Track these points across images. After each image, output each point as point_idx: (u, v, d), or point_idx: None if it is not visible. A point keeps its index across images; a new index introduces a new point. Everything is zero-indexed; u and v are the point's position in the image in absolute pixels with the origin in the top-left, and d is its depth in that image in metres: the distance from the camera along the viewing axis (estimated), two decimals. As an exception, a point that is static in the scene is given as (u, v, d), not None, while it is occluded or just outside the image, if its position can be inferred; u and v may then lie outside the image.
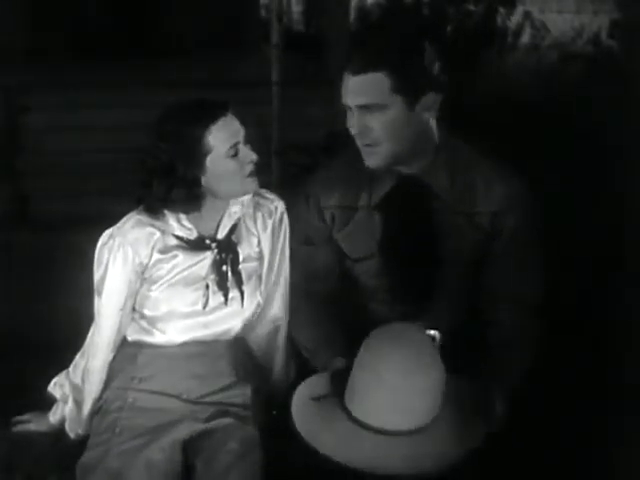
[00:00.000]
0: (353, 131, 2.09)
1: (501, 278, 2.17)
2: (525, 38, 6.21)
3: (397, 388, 1.80)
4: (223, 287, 2.13)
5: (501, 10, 6.24)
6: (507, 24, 6.22)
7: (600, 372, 2.63)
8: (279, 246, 2.24)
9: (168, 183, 2.03)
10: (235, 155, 2.05)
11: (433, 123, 2.14)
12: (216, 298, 2.13)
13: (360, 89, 2.05)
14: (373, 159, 2.11)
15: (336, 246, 2.25)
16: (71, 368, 2.23)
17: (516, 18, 6.25)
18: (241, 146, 2.06)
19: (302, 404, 1.92)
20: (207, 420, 2.07)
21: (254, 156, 2.08)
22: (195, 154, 2.02)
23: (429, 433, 1.82)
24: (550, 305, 2.20)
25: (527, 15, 6.25)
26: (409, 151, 2.11)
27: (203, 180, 2.05)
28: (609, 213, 3.56)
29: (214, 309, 2.13)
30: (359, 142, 2.10)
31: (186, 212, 2.09)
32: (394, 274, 2.20)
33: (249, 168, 2.08)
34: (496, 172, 2.16)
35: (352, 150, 2.14)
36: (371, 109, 2.05)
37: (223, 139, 2.03)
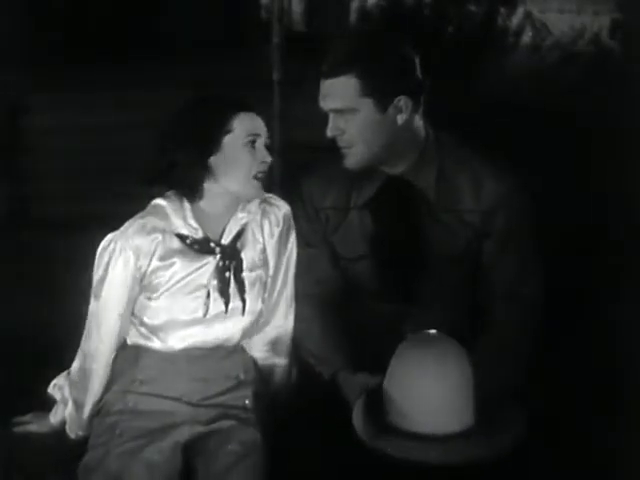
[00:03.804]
0: (328, 133, 2.13)
1: (498, 277, 2.17)
2: (526, 38, 6.22)
3: (429, 393, 1.84)
4: (225, 294, 2.12)
5: (502, 10, 6.25)
6: (508, 24, 6.23)
7: (600, 371, 2.63)
8: (285, 254, 2.22)
9: (181, 147, 2.05)
10: (252, 146, 2.07)
11: (418, 122, 2.16)
12: (217, 306, 2.11)
13: (331, 93, 2.10)
14: (349, 160, 2.15)
15: (332, 247, 2.25)
16: (71, 370, 2.22)
17: (517, 18, 6.26)
18: (260, 141, 2.09)
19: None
20: (208, 423, 2.06)
21: (268, 158, 2.10)
22: (216, 127, 2.05)
23: (465, 439, 1.85)
24: (550, 304, 2.21)
25: (528, 15, 6.26)
26: (387, 152, 2.14)
27: (213, 159, 2.06)
28: (610, 212, 3.57)
29: (215, 317, 2.12)
30: (338, 144, 2.14)
31: (188, 197, 2.09)
32: (387, 274, 2.20)
33: (259, 167, 2.08)
34: (486, 170, 2.17)
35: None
36: (343, 112, 2.09)
37: (246, 126, 2.07)
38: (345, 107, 2.08)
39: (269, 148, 2.11)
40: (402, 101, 2.10)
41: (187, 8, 8.86)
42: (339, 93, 2.08)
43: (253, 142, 2.07)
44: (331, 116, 2.11)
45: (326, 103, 2.11)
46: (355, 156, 2.13)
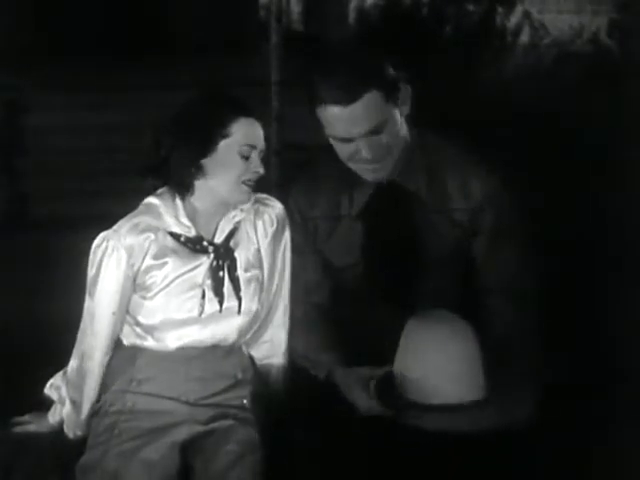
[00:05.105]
0: (367, 156, 2.05)
1: (492, 275, 2.17)
2: (524, 38, 6.23)
3: (443, 364, 1.90)
4: (219, 293, 2.12)
5: (500, 10, 6.27)
6: (506, 24, 6.25)
7: (599, 368, 2.64)
8: (280, 254, 2.22)
9: (176, 145, 2.05)
10: (246, 157, 2.07)
11: (402, 123, 2.15)
12: (212, 305, 2.12)
13: (359, 116, 2.02)
14: (380, 173, 2.11)
15: (322, 255, 2.25)
16: (68, 369, 2.22)
17: (515, 18, 6.28)
18: (255, 153, 2.08)
19: None
20: (206, 422, 2.07)
21: (261, 169, 2.09)
22: (214, 130, 2.05)
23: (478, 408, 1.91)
24: (548, 301, 2.21)
25: (526, 15, 6.27)
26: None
27: (206, 161, 2.06)
28: (608, 212, 3.57)
29: (210, 316, 2.12)
30: (368, 161, 2.07)
31: (179, 193, 2.09)
32: (382, 280, 2.20)
33: (250, 176, 2.08)
34: (472, 169, 2.17)
35: (332, 160, 2.14)
36: (375, 131, 2.04)
37: (244, 133, 2.06)
38: (378, 123, 2.03)
39: (265, 153, 2.11)
40: (402, 89, 2.09)
41: (186, 8, 8.87)
42: (368, 112, 2.01)
43: (249, 151, 2.07)
44: (363, 141, 2.03)
45: (355, 129, 2.02)
46: (390, 164, 2.09)
